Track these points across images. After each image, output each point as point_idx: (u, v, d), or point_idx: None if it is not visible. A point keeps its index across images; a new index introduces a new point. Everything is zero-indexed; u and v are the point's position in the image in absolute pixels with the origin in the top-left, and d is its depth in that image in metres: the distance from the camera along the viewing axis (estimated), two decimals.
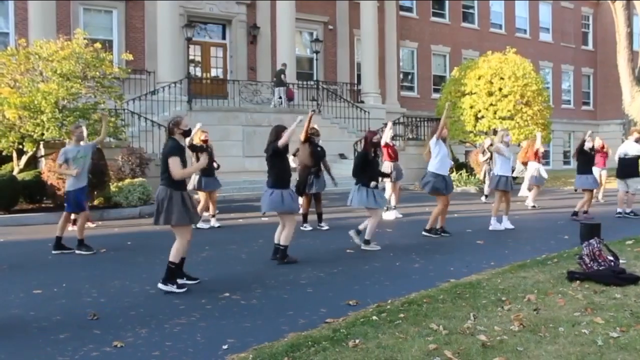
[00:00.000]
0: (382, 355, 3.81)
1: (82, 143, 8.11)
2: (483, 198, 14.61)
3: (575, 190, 12.70)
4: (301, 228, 9.57)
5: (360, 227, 8.18)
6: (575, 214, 10.99)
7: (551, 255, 7.21)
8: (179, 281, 5.94)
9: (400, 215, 11.50)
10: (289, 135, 7.06)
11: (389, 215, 11.24)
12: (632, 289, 5.42)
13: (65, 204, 8.09)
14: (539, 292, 5.36)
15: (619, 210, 11.53)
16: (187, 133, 6.03)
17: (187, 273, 6.16)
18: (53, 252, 7.89)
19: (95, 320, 4.85)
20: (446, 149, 9.16)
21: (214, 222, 10.24)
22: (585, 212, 11.02)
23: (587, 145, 11.00)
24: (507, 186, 9.81)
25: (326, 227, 9.85)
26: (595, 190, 11.79)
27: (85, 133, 8.50)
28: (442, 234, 9.14)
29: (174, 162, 5.73)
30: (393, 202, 11.49)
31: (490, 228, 9.75)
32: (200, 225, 9.80)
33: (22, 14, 17.38)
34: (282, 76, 19.82)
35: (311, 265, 6.98)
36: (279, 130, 7.15)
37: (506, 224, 9.90)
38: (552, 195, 16.21)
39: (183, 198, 5.82)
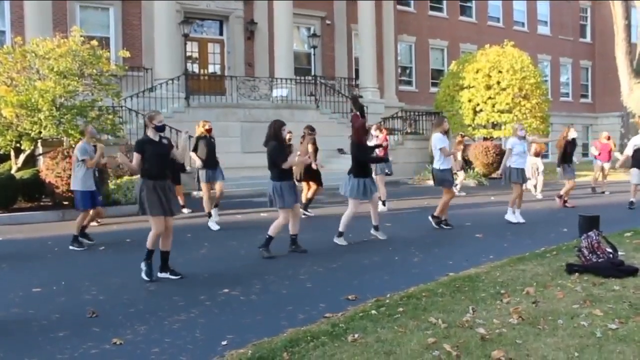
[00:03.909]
0: (381, 350, 3.81)
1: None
2: (457, 189, 14.01)
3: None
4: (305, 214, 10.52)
5: (374, 222, 8.38)
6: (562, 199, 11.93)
7: (550, 248, 7.21)
8: (160, 275, 6.22)
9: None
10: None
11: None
12: (631, 281, 5.42)
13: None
14: (537, 285, 5.36)
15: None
16: (159, 128, 6.23)
17: (171, 267, 6.28)
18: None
19: (95, 318, 4.86)
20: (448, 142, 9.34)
21: (211, 222, 9.62)
22: (560, 197, 12.05)
23: (572, 136, 11.87)
24: (523, 178, 10.15)
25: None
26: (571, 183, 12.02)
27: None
28: (445, 226, 9.28)
29: (133, 156, 6.14)
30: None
31: (506, 217, 9.98)
32: (210, 224, 9.61)
33: (18, 12, 17.28)
34: (356, 103, 20.70)
35: (310, 260, 6.99)
36: (277, 127, 7.17)
37: (518, 218, 9.96)
38: (551, 188, 16.18)
39: (154, 188, 6.02)
